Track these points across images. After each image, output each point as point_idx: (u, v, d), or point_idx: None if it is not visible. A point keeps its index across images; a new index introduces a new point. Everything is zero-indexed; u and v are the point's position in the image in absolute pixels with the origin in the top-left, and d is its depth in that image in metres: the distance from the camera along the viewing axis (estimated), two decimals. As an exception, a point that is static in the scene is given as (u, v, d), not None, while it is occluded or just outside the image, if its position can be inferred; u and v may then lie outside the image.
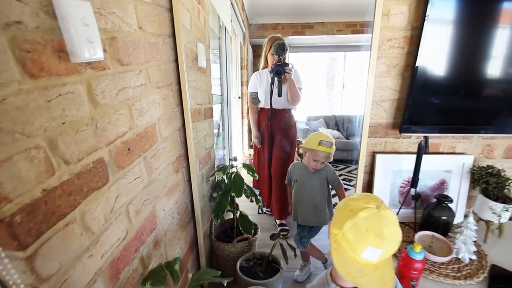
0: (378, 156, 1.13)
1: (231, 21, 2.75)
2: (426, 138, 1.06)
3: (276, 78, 1.82)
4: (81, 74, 0.53)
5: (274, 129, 2.03)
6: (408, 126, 1.04)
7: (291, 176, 1.52)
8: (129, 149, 0.71)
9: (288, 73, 1.77)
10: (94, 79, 0.56)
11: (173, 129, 0.99)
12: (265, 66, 2.00)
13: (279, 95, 1.84)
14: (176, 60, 0.97)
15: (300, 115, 4.64)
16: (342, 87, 5.29)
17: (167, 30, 0.92)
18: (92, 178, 0.56)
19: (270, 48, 1.88)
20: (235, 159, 1.62)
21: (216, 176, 1.45)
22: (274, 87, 1.86)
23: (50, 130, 0.45)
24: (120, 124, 0.67)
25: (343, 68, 5.23)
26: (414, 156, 1.09)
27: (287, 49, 1.78)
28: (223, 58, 2.83)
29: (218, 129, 3.07)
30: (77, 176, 0.51)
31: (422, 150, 1.02)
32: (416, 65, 0.96)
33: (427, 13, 0.91)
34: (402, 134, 1.06)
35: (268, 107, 1.96)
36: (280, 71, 1.78)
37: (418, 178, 1.06)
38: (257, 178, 1.52)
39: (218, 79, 2.88)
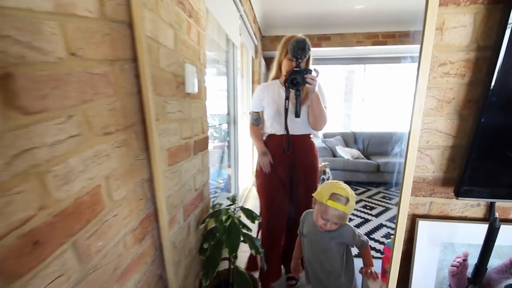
0: (420, 223, 0.81)
1: (240, 34, 2.53)
2: (492, 204, 0.74)
3: (292, 91, 1.26)
4: None
5: (292, 166, 1.46)
6: (469, 188, 0.72)
7: (301, 227, 1.22)
8: (36, 242, 0.46)
9: (310, 84, 1.22)
10: None
11: (136, 183, 0.74)
12: (277, 76, 1.48)
13: (297, 115, 1.27)
14: (140, 92, 0.72)
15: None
16: (361, 101, 4.93)
17: (127, 53, 0.68)
18: None
19: (286, 52, 1.34)
20: (233, 200, 1.34)
21: (209, 223, 1.18)
22: (289, 103, 1.31)
23: None
24: (17, 208, 0.42)
25: (362, 81, 4.88)
26: (473, 226, 0.77)
27: (309, 49, 1.23)
28: (230, 73, 2.61)
29: (228, 143, 2.83)
30: None
31: (495, 231, 0.70)
32: (486, 100, 0.64)
33: (509, 23, 0.60)
34: (459, 198, 0.74)
35: (282, 132, 1.41)
36: (298, 80, 1.21)
37: (486, 269, 0.74)
38: (259, 221, 1.23)
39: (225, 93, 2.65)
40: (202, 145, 1.28)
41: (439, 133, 0.75)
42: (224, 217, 1.16)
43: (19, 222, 0.43)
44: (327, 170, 2.67)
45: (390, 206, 3.06)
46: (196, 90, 1.13)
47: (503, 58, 0.59)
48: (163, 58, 0.86)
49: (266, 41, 3.94)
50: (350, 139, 4.28)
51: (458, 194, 0.72)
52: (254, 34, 3.14)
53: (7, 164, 0.41)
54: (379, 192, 3.51)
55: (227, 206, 1.32)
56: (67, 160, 0.51)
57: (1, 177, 0.40)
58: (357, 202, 3.17)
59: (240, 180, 2.95)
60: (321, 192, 1.07)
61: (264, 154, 1.48)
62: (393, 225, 2.57)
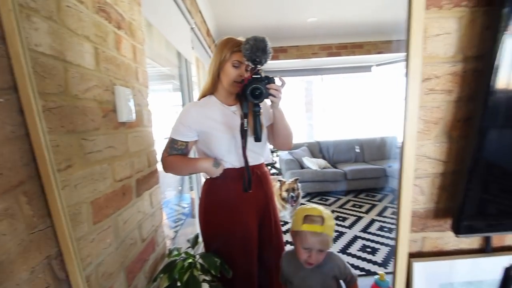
0: (415, 265, 0.69)
1: (193, 48, 2.36)
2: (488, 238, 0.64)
3: (253, 105, 0.95)
4: None
5: (258, 211, 1.10)
6: (469, 224, 0.60)
7: (283, 272, 1.01)
8: None
9: (275, 96, 0.94)
10: None
11: (35, 268, 0.50)
12: (212, 91, 1.09)
13: (257, 138, 0.98)
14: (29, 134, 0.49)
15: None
16: (322, 111, 5.01)
17: (3, 81, 0.46)
18: None
19: (231, 55, 1.00)
20: (194, 243, 1.12)
21: (161, 282, 0.95)
22: (246, 123, 0.98)
23: None
24: None
25: (321, 91, 4.98)
26: (471, 261, 0.66)
27: (270, 52, 0.94)
28: (185, 89, 2.41)
29: None
30: None
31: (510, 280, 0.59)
32: (484, 119, 0.54)
33: (500, 29, 0.48)
34: (460, 236, 0.63)
35: (236, 164, 1.05)
36: (261, 90, 0.92)
37: None
38: (228, 275, 0.99)
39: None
40: (149, 181, 1.05)
41: (428, 159, 0.63)
42: (177, 274, 0.93)
43: None
44: (297, 185, 2.54)
45: (361, 214, 3.03)
46: (134, 117, 0.91)
47: (494, 71, 0.49)
48: (76, 82, 0.65)
49: (223, 55, 3.81)
50: (315, 149, 4.27)
51: (458, 231, 0.61)
52: (209, 47, 2.99)
53: None
54: (348, 201, 3.49)
55: (185, 251, 1.10)
56: None
57: None
58: (328, 214, 3.09)
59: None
60: (295, 221, 0.94)
61: (217, 165, 1.02)
62: (368, 236, 2.52)
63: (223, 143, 1.04)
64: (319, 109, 5.11)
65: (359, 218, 2.95)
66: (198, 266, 1.00)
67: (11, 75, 0.47)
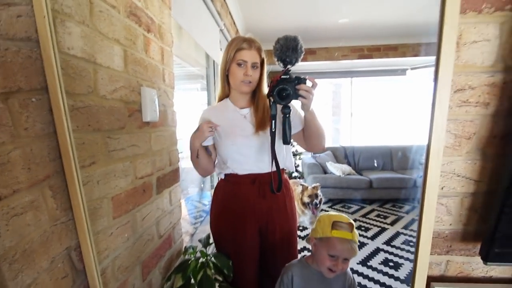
0: (437, 288, 0.64)
1: (221, 49, 2.39)
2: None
3: (280, 106, 0.91)
4: None
5: (266, 215, 1.04)
6: (501, 252, 0.54)
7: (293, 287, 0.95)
8: None
9: (305, 98, 0.90)
10: None
11: (55, 258, 0.54)
12: (225, 94, 1.08)
13: (286, 141, 0.93)
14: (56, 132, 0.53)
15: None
16: (350, 116, 4.85)
17: (36, 82, 0.49)
18: None
19: (234, 55, 0.97)
20: (206, 244, 1.13)
21: (175, 281, 0.97)
22: (274, 125, 0.94)
23: None
24: None
25: (350, 95, 4.82)
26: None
27: (301, 51, 0.91)
28: (211, 89, 2.45)
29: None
30: None
31: None
32: None
33: None
34: (488, 264, 0.57)
35: (251, 171, 1.02)
36: (288, 92, 0.88)
37: None
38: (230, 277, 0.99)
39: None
40: (170, 180, 1.08)
41: (457, 177, 0.58)
42: (191, 273, 0.94)
43: None
44: (319, 192, 2.48)
45: (385, 226, 2.89)
46: (157, 117, 0.94)
47: None
48: (105, 83, 0.68)
49: (251, 56, 3.84)
50: (340, 154, 4.14)
51: (487, 258, 0.55)
52: (237, 49, 3.02)
53: None
54: (373, 210, 3.35)
55: (201, 249, 1.11)
56: None
57: None
58: (350, 223, 2.99)
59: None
60: (320, 227, 0.89)
61: (195, 132, 0.98)
62: (391, 249, 2.39)
63: (230, 146, 1.01)
64: (346, 113, 4.96)
65: (383, 229, 2.81)
66: (211, 265, 1.01)
67: (43, 76, 0.50)
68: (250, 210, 1.02)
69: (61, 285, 0.55)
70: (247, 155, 1.02)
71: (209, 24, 1.98)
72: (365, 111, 4.85)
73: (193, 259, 1.00)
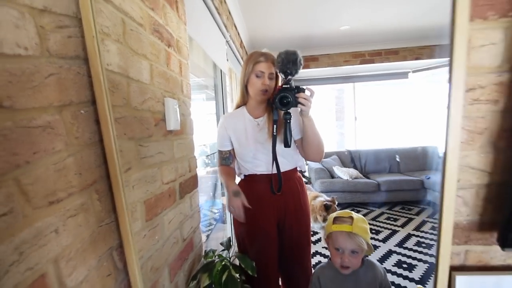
0: (458, 278, 0.66)
1: (227, 60, 2.47)
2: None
3: (284, 113, 1.03)
4: None
5: (280, 211, 1.17)
6: None
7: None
8: None
9: (304, 105, 1.00)
10: None
11: (101, 257, 0.58)
12: (243, 102, 1.21)
13: (287, 144, 1.04)
14: (102, 140, 0.58)
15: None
16: (354, 120, 4.89)
17: (84, 95, 0.54)
18: None
19: (253, 68, 1.10)
20: (228, 246, 1.17)
21: (201, 280, 1.00)
22: (275, 129, 1.07)
23: None
24: None
25: (353, 99, 4.87)
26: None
27: (301, 64, 1.01)
28: (219, 98, 2.52)
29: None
30: None
31: None
32: None
33: None
34: (505, 250, 0.61)
35: (265, 170, 1.14)
36: (289, 99, 0.99)
37: None
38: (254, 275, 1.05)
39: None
40: (189, 185, 1.13)
41: (472, 169, 0.62)
42: (218, 269, 0.98)
43: None
44: (335, 206, 2.52)
45: (396, 228, 2.89)
46: (179, 126, 0.99)
47: None
48: (136, 95, 0.74)
49: (255, 65, 3.92)
50: (346, 159, 4.17)
51: (504, 244, 0.59)
52: (242, 58, 3.10)
53: None
54: (382, 213, 3.35)
55: (221, 252, 1.15)
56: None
57: None
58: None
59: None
60: (327, 226, 0.99)
61: (236, 195, 1.09)
62: (404, 251, 2.39)
63: (248, 152, 1.16)
64: (350, 117, 5.01)
65: (394, 232, 2.81)
66: (233, 267, 1.04)
67: (90, 90, 0.56)
68: (269, 205, 1.15)
69: (106, 283, 0.59)
70: (262, 159, 1.16)
71: (217, 36, 2.06)
72: (369, 115, 4.90)
73: (217, 260, 1.03)
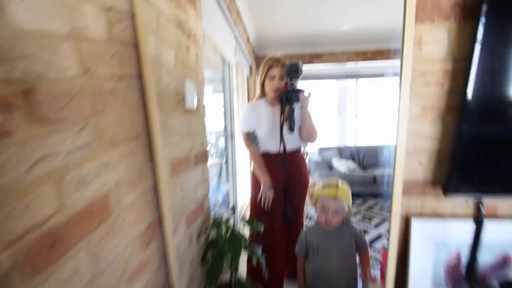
0: (414, 222, 0.85)
1: (235, 54, 2.66)
2: (479, 204, 0.79)
3: (287, 106, 1.43)
4: None
5: (287, 178, 1.61)
6: (456, 186, 0.77)
7: (308, 244, 1.22)
8: (55, 240, 0.50)
9: (303, 102, 1.43)
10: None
11: (142, 191, 0.78)
12: (262, 95, 1.64)
13: (292, 129, 1.43)
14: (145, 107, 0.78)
15: (311, 146, 4.39)
16: (355, 117, 5.05)
17: (133, 71, 0.74)
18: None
19: (267, 71, 1.52)
20: (233, 209, 1.37)
21: (211, 233, 1.21)
22: (283, 118, 1.46)
23: None
24: (36, 210, 0.46)
25: (355, 96, 5.03)
26: (464, 223, 0.81)
27: (301, 72, 1.38)
28: (226, 91, 2.71)
29: (226, 158, 2.88)
30: None
31: (481, 225, 0.74)
32: (465, 107, 0.71)
33: (477, 39, 0.67)
34: (447, 196, 0.79)
35: (276, 149, 1.55)
36: (292, 97, 1.41)
37: (476, 264, 0.77)
38: (261, 231, 1.28)
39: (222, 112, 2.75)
40: (202, 158, 1.33)
41: (425, 137, 0.81)
42: (224, 227, 1.19)
43: (39, 222, 0.47)
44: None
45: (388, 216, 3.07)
46: (194, 106, 1.19)
47: (476, 71, 0.68)
48: (165, 76, 0.93)
49: (260, 61, 4.10)
50: (345, 153, 4.35)
51: (446, 191, 0.78)
52: (248, 54, 3.28)
53: (28, 169, 0.46)
54: (377, 203, 3.53)
55: (227, 216, 1.35)
56: (81, 166, 0.56)
57: (20, 181, 0.44)
58: (355, 214, 3.18)
59: (238, 194, 2.97)
60: (316, 191, 1.19)
61: (270, 189, 1.53)
62: (392, 235, 2.58)
63: (265, 133, 1.57)
64: (352, 114, 5.17)
65: (386, 219, 3.00)
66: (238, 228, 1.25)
67: (137, 68, 0.76)
68: (279, 173, 1.55)
69: (145, 213, 0.79)
70: (274, 140, 1.54)
71: (226, 31, 2.25)
72: (370, 112, 5.05)
73: (224, 219, 1.24)
